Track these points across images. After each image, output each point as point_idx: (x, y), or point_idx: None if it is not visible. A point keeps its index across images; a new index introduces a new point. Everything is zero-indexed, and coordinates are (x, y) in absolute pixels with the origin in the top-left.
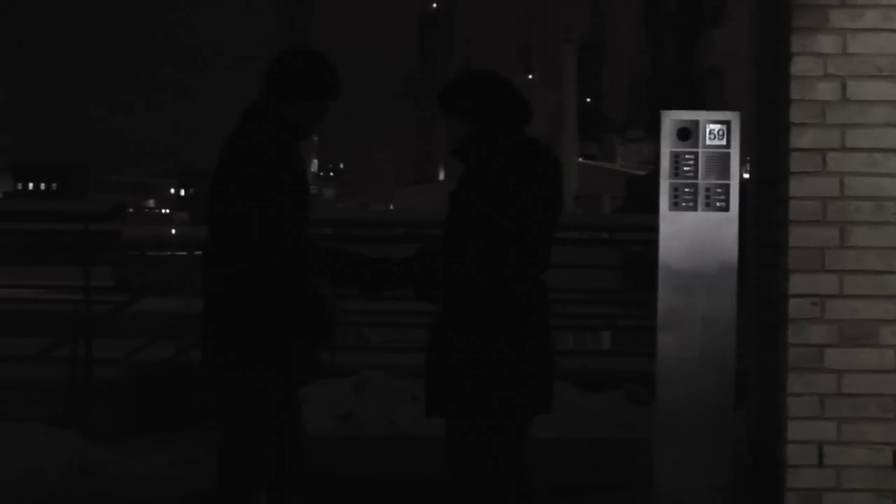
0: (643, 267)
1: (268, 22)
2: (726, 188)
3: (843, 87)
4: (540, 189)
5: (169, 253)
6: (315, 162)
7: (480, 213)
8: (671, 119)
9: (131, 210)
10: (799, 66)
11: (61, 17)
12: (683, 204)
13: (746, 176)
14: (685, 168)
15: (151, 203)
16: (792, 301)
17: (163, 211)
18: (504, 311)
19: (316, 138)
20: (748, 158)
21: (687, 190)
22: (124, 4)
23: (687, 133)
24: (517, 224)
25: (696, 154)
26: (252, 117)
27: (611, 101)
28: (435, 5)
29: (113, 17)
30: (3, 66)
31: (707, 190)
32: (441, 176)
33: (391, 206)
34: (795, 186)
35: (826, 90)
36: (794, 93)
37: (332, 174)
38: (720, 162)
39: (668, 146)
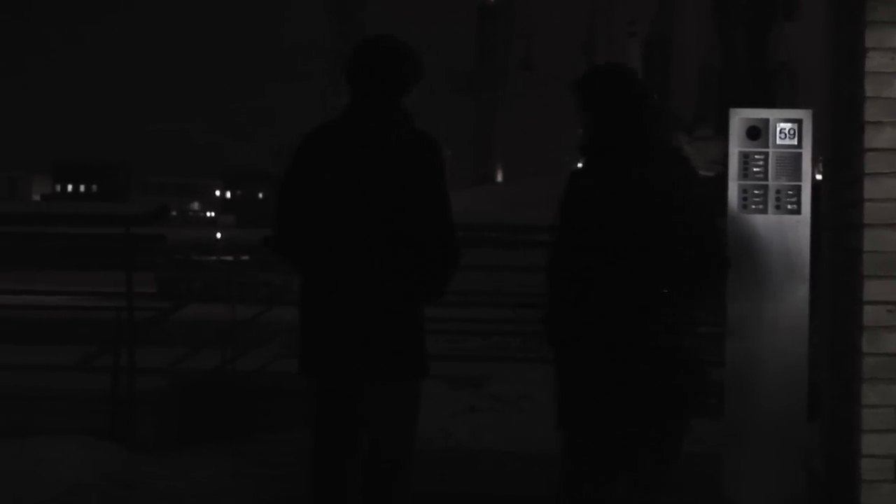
0: None
1: (315, 14)
2: (798, 189)
3: None
4: None
5: (214, 258)
6: None
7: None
8: (740, 117)
9: (175, 213)
10: (874, 61)
11: (96, 15)
12: (753, 206)
13: (819, 177)
14: (755, 169)
15: (196, 205)
16: (867, 308)
17: (208, 214)
18: None
19: None
20: (820, 159)
21: (756, 192)
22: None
23: (756, 132)
24: None
25: (767, 154)
26: (404, 115)
27: (678, 98)
28: None
29: (149, 12)
30: (43, 63)
31: (777, 191)
32: (499, 177)
33: None
34: (871, 188)
35: None
36: (870, 90)
37: None
38: (791, 162)
39: (736, 146)
